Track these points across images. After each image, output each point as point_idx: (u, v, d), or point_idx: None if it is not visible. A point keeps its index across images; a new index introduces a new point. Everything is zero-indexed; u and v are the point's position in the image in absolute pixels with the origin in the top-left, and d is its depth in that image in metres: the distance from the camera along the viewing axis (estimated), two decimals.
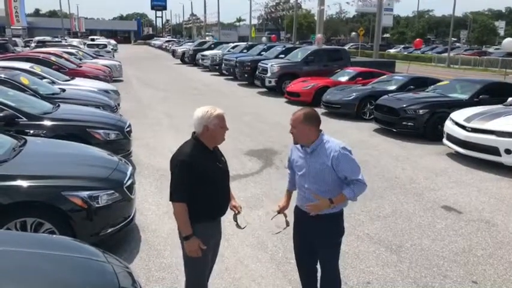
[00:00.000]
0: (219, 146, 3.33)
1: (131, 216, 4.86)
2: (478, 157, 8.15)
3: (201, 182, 3.02)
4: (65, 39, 45.23)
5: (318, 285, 3.53)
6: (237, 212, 3.31)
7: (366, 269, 4.49)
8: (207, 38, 53.39)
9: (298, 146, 3.32)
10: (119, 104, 11.62)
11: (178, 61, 35.43)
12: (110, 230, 4.52)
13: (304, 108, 3.34)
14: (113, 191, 4.51)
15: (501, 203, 6.45)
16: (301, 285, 3.69)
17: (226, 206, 3.29)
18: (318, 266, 3.50)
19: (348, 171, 3.15)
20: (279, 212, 3.50)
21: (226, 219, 3.41)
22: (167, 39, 69.59)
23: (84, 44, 37.34)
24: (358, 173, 3.18)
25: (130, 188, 4.86)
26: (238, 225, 3.33)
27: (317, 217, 3.21)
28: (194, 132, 3.14)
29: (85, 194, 4.31)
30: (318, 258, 3.45)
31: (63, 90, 9.95)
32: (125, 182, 4.77)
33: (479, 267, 4.59)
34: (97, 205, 4.36)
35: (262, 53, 22.95)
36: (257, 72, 18.74)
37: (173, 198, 3.03)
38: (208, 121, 3.07)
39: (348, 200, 3.26)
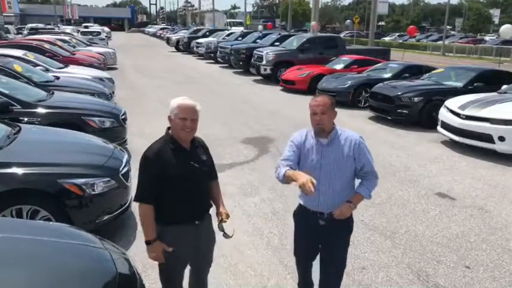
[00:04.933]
0: (202, 142, 3.06)
1: (127, 204, 4.87)
2: (472, 144, 8.20)
3: (166, 182, 2.76)
4: (58, 27, 44.70)
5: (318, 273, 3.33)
6: (220, 219, 2.96)
7: (360, 255, 4.54)
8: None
9: (310, 135, 3.07)
10: (113, 92, 11.55)
11: (173, 49, 35.20)
12: (106, 217, 4.54)
13: (322, 94, 3.16)
14: (108, 179, 4.52)
15: (494, 189, 6.51)
16: (298, 274, 3.56)
17: (200, 210, 2.96)
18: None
19: (367, 161, 3.03)
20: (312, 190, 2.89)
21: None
22: (161, 26, 69.00)
23: (78, 31, 36.96)
24: (373, 165, 3.09)
25: (126, 175, 4.87)
26: (225, 234, 2.96)
27: (328, 217, 3.04)
28: (169, 128, 2.89)
29: (81, 181, 4.32)
30: (326, 253, 3.20)
31: (57, 77, 9.87)
32: (120, 169, 4.78)
33: (472, 253, 4.66)
34: (93, 192, 4.37)
35: (258, 40, 22.83)
36: (252, 60, 18.66)
37: (137, 198, 2.82)
38: (171, 111, 2.80)
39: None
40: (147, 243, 2.83)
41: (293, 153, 3.04)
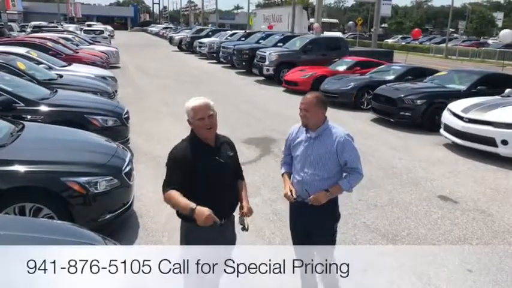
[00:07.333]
0: (229, 137, 3.20)
1: (130, 203, 4.87)
2: (475, 148, 8.18)
3: (195, 179, 2.80)
4: (61, 25, 44.76)
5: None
6: (243, 212, 2.96)
7: (362, 257, 4.51)
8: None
9: (303, 128, 3.32)
10: (116, 91, 11.56)
11: (176, 48, 35.21)
12: (108, 216, 4.53)
13: (312, 92, 3.40)
14: (111, 177, 4.52)
15: (497, 193, 6.50)
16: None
17: (227, 207, 2.99)
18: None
19: (349, 158, 3.23)
20: (293, 198, 3.31)
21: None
22: (164, 26, 69.07)
23: (81, 29, 37.03)
24: (357, 162, 3.28)
25: (129, 174, 4.86)
26: (244, 228, 2.98)
27: (311, 205, 3.23)
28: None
29: (84, 179, 4.32)
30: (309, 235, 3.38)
31: (61, 76, 9.88)
32: (123, 168, 4.77)
33: (474, 256, 4.64)
34: (95, 191, 4.36)
35: (260, 41, 22.82)
36: (255, 60, 18.64)
37: (164, 188, 2.80)
38: (187, 115, 2.87)
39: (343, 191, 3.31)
40: (192, 212, 2.62)
41: (287, 150, 3.48)
